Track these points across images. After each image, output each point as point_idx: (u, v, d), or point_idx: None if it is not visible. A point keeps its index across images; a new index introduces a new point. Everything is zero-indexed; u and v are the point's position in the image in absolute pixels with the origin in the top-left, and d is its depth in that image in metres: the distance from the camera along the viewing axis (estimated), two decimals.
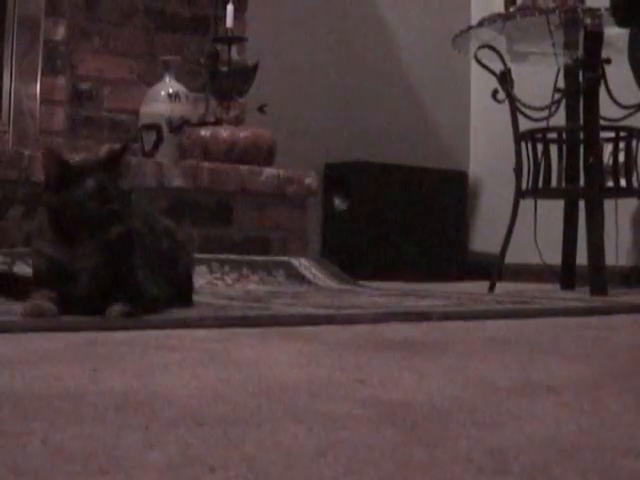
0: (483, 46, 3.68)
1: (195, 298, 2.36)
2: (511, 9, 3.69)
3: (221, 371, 1.27)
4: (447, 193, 4.93)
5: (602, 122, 3.59)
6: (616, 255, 3.99)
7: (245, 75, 3.96)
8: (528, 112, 3.71)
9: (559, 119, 3.83)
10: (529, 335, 1.98)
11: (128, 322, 1.85)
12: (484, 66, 3.71)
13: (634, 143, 3.67)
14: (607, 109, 3.60)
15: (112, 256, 1.97)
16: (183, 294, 2.29)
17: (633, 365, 1.51)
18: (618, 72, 3.51)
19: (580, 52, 3.63)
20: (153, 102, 3.99)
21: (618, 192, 3.74)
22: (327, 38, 4.91)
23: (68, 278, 1.96)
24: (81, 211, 1.91)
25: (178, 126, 3.90)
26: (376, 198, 4.65)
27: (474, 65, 3.97)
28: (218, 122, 3.88)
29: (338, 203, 4.67)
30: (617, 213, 3.87)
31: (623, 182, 3.66)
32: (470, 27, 3.85)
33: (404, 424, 0.93)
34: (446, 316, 2.24)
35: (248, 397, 1.07)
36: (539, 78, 3.97)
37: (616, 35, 3.42)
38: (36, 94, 3.97)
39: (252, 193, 3.73)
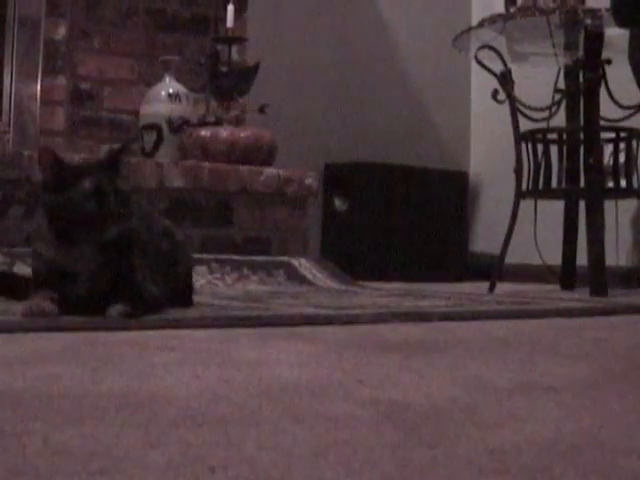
0: (483, 46, 3.67)
1: (195, 298, 2.36)
2: (511, 9, 3.69)
3: (221, 371, 1.27)
4: (447, 193, 4.92)
5: (602, 123, 3.59)
6: (616, 256, 3.99)
7: (245, 75, 3.95)
8: (528, 113, 3.71)
9: (559, 120, 3.83)
10: (529, 335, 1.98)
11: (128, 322, 1.85)
12: (484, 66, 3.71)
13: (634, 144, 3.67)
14: (607, 110, 3.60)
15: (111, 257, 1.97)
16: (183, 294, 2.29)
17: (633, 366, 1.51)
18: (618, 73, 3.51)
19: (580, 53, 3.63)
20: (153, 102, 3.99)
21: (618, 193, 3.74)
22: (327, 38, 4.91)
23: (67, 280, 1.96)
24: (77, 212, 1.91)
25: (178, 126, 3.90)
26: (376, 198, 4.65)
27: (474, 65, 3.97)
28: (218, 122, 3.88)
29: (338, 203, 4.67)
30: (617, 214, 3.87)
31: (623, 183, 3.66)
32: (470, 27, 3.85)
33: (404, 424, 0.93)
34: (446, 316, 2.24)
35: (248, 397, 1.07)
36: (539, 79, 3.97)
37: (616, 36, 3.42)
38: (36, 94, 3.97)
39: (252, 193, 3.73)
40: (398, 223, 4.70)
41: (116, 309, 1.90)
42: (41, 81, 3.98)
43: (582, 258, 3.66)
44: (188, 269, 2.35)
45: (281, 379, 1.22)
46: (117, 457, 0.76)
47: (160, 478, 0.70)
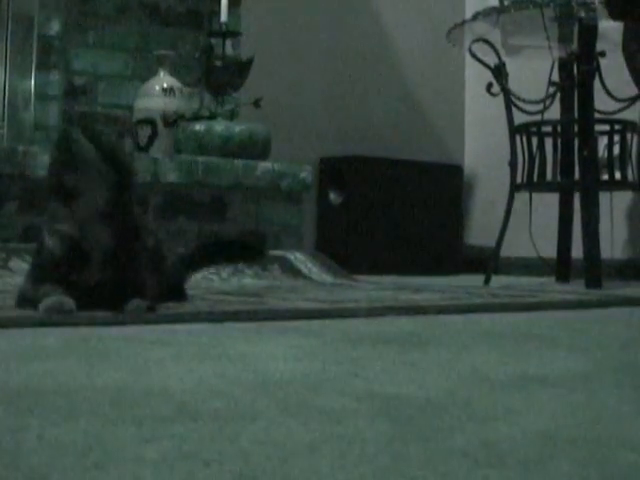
0: (478, 40, 3.67)
1: (190, 293, 2.35)
2: (505, 2, 3.68)
3: (216, 366, 1.27)
4: (442, 187, 4.93)
5: (597, 115, 3.59)
6: (611, 248, 3.99)
7: (240, 69, 3.95)
8: (523, 105, 3.71)
9: (554, 112, 3.83)
10: (524, 328, 1.98)
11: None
12: (479, 60, 3.71)
13: (629, 136, 3.67)
14: (602, 102, 3.60)
15: (124, 242, 1.95)
16: (175, 289, 2.28)
17: (628, 358, 1.51)
18: (612, 65, 3.51)
19: (574, 45, 3.62)
20: (147, 97, 3.98)
21: (613, 185, 3.74)
22: (321, 32, 4.90)
23: (78, 268, 1.93)
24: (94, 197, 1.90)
25: (173, 121, 3.90)
26: (371, 192, 4.65)
27: (469, 59, 3.97)
28: (213, 116, 3.87)
29: (333, 197, 4.67)
30: (612, 206, 3.87)
31: (618, 175, 3.67)
32: (464, 21, 3.85)
33: (399, 418, 0.93)
34: (441, 310, 2.25)
35: (243, 391, 1.07)
36: (534, 71, 3.97)
37: (610, 28, 3.42)
38: (30, 89, 3.96)
39: (247, 188, 3.73)
40: (393, 217, 4.70)
41: (133, 303, 1.88)
42: (35, 76, 3.97)
43: (577, 250, 3.66)
44: (177, 263, 2.34)
45: (276, 373, 1.21)
46: (112, 452, 0.76)
47: (155, 473, 0.70)
